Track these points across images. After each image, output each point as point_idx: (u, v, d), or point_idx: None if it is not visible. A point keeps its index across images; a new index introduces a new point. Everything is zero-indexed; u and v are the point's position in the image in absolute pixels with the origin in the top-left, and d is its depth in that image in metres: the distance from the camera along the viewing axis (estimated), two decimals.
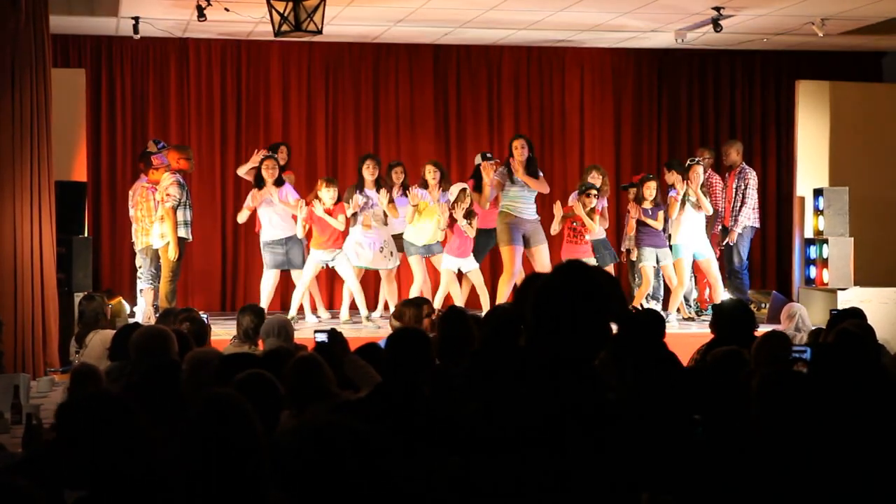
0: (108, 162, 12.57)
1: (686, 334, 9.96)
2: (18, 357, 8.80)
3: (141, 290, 11.11)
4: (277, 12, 9.69)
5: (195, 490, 2.92)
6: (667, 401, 4.24)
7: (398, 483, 2.87)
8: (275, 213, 10.80)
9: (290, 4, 9.62)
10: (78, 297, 9.17)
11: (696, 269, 12.04)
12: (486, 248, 11.13)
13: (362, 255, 10.77)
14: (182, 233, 10.65)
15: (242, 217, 11.01)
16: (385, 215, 10.78)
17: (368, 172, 10.84)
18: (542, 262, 10.57)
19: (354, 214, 10.70)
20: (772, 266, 13.66)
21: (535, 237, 10.60)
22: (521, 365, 3.01)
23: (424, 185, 10.86)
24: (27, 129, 8.90)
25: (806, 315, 8.85)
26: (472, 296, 10.95)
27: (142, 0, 10.68)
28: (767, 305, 11.76)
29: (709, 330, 6.81)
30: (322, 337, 5.83)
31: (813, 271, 11.96)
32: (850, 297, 10.84)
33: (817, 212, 12.06)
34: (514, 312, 4.80)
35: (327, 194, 10.55)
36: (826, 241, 11.75)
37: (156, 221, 10.74)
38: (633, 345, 4.70)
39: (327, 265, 10.84)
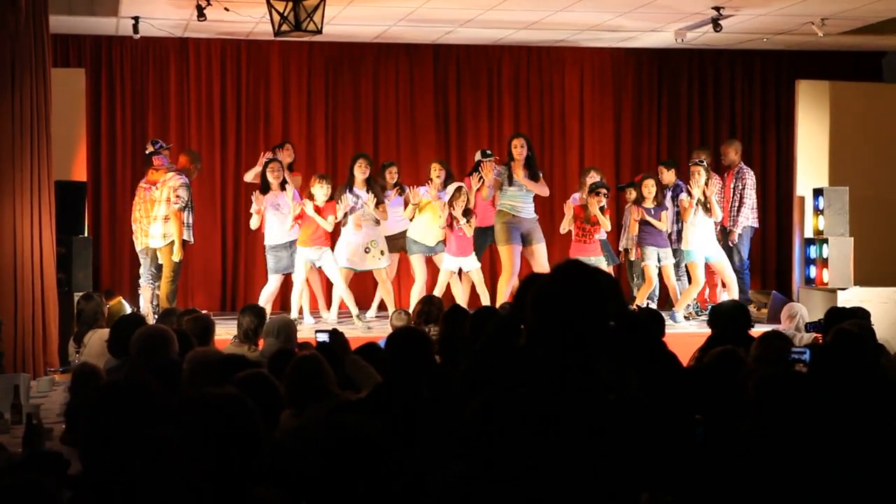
0: (107, 162, 12.55)
1: (686, 334, 9.95)
2: (18, 357, 8.80)
3: (140, 288, 11.10)
4: (277, 12, 9.69)
5: (193, 486, 2.92)
6: (667, 401, 4.24)
7: (400, 483, 2.87)
8: (280, 217, 10.64)
9: (290, 4, 9.62)
10: (77, 297, 9.17)
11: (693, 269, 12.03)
12: (483, 246, 11.11)
13: (350, 258, 10.72)
14: (184, 235, 10.64)
15: (255, 223, 10.70)
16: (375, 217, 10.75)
17: (360, 171, 10.73)
18: (541, 261, 10.59)
19: (346, 214, 10.66)
20: (772, 266, 13.64)
21: (534, 235, 10.63)
22: (521, 365, 3.01)
23: (428, 183, 10.85)
24: (27, 129, 8.90)
25: (806, 315, 8.85)
26: (474, 295, 10.93)
27: (142, 0, 10.68)
28: (767, 305, 11.74)
29: (709, 330, 6.83)
30: (323, 336, 5.84)
31: (813, 271, 11.96)
32: (850, 297, 10.83)
33: (817, 212, 12.05)
34: (514, 312, 4.80)
35: (320, 191, 10.53)
36: (826, 241, 11.74)
37: (153, 221, 10.69)
38: (633, 345, 4.70)
39: (314, 264, 10.75)
